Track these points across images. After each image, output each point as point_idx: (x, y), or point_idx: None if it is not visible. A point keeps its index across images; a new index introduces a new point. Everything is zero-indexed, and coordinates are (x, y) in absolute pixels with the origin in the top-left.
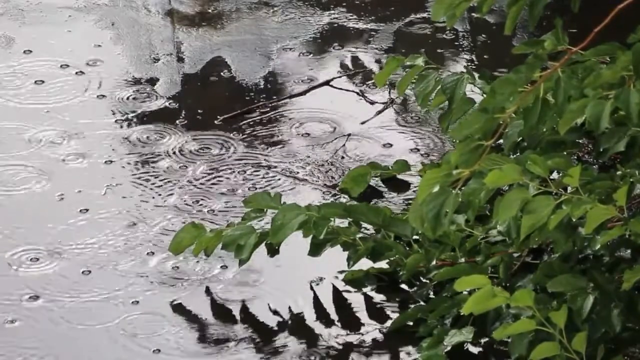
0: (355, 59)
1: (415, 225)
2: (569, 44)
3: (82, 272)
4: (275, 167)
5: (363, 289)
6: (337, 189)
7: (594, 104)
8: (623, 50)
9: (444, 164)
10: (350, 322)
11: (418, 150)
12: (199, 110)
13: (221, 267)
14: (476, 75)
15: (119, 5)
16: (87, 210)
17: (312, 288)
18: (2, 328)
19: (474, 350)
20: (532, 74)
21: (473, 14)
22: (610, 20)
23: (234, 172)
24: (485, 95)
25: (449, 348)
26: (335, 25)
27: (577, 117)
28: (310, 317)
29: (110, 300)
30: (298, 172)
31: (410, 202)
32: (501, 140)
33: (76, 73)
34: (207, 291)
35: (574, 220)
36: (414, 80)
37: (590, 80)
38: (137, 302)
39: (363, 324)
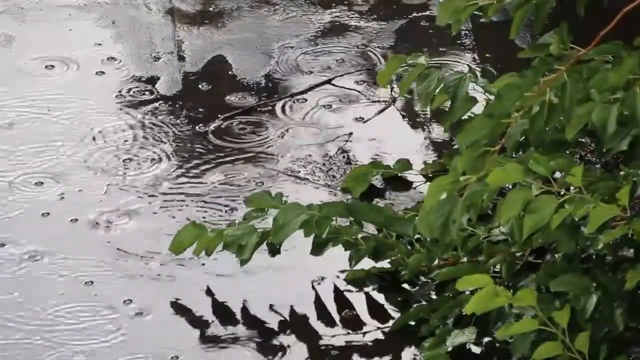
0: (357, 58)
1: (423, 233)
2: (573, 44)
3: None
4: (277, 166)
5: (365, 288)
6: (339, 188)
7: (600, 108)
8: (627, 50)
9: (451, 170)
10: (352, 322)
11: (420, 149)
12: (200, 109)
13: (221, 266)
14: (479, 74)
15: (119, 3)
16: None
17: (313, 287)
18: None
19: (477, 350)
20: (538, 78)
21: (475, 13)
22: (616, 22)
23: (234, 171)
24: (488, 95)
25: (451, 348)
26: (337, 23)
27: (584, 122)
28: (311, 317)
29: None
30: (299, 172)
31: (412, 201)
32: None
33: (76, 72)
34: (208, 291)
35: (576, 219)
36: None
37: (596, 83)
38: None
39: (365, 324)
